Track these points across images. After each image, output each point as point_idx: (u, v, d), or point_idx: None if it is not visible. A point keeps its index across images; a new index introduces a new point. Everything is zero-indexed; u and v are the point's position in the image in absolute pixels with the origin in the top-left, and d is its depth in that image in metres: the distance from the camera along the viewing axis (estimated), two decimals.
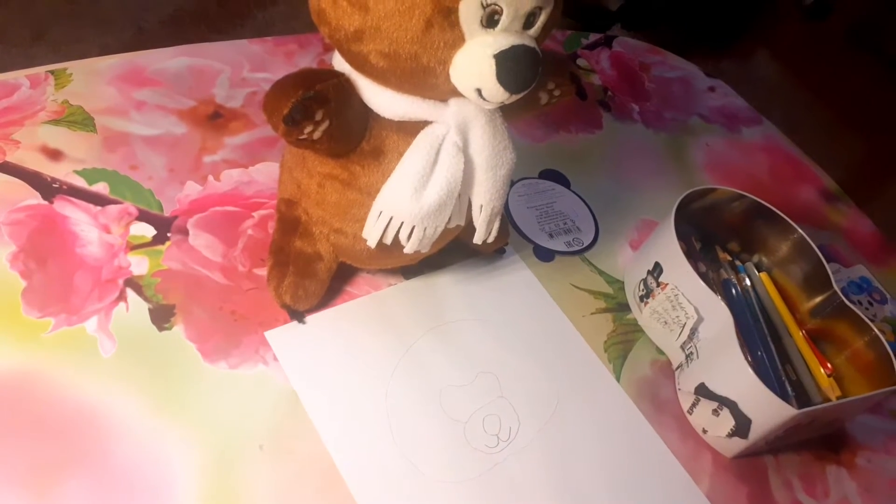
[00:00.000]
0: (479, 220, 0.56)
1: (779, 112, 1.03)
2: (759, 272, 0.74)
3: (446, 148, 0.51)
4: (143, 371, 0.54)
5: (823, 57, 2.26)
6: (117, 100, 0.70)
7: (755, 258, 0.76)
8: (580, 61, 0.96)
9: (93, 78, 0.71)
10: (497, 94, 0.47)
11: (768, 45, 2.27)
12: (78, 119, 0.67)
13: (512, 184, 0.76)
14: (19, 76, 0.68)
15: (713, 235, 0.76)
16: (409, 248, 0.55)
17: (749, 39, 2.26)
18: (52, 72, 0.69)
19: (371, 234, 0.54)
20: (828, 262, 0.69)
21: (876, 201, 1.47)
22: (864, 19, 2.34)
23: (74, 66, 0.71)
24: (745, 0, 2.32)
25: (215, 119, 0.72)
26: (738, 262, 0.75)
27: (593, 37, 1.01)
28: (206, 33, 1.71)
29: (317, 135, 0.48)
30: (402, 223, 0.53)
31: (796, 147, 0.98)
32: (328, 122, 0.48)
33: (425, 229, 0.54)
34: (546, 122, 0.85)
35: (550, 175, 0.80)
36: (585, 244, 0.75)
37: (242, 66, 0.77)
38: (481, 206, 0.55)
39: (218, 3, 1.79)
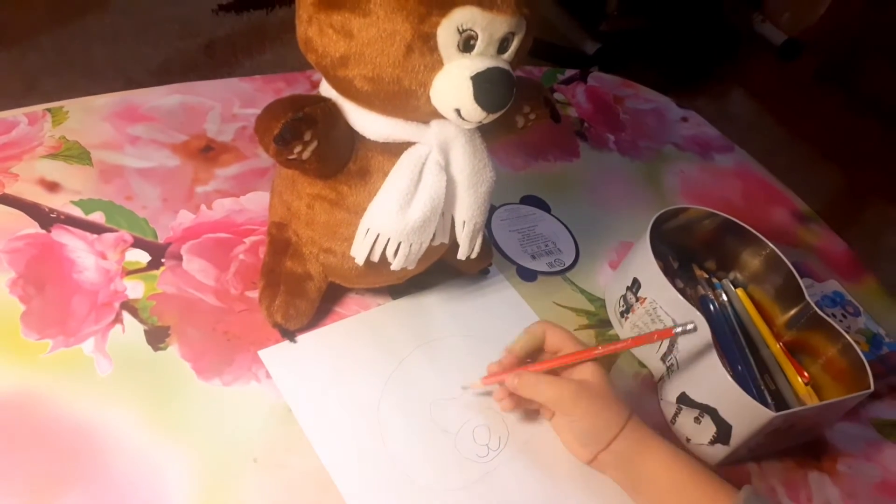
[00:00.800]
0: (463, 236, 0.59)
1: (755, 147, 1.07)
2: (735, 288, 0.77)
3: (429, 167, 0.54)
4: (139, 389, 0.56)
5: (795, 94, 2.34)
6: (112, 135, 0.73)
7: (731, 275, 0.78)
8: (557, 95, 1.01)
9: (89, 115, 0.73)
10: (475, 113, 0.50)
11: (742, 83, 2.34)
12: (74, 153, 0.70)
13: (494, 209, 0.79)
14: (17, 114, 0.71)
15: (689, 255, 0.78)
16: (395, 265, 0.57)
17: (723, 80, 2.33)
18: (49, 110, 0.72)
19: (359, 251, 0.57)
20: (801, 277, 0.71)
21: (852, 230, 1.51)
22: (833, 59, 2.43)
23: (71, 105, 0.73)
24: (718, 41, 2.40)
25: (207, 152, 0.74)
26: (714, 280, 0.78)
27: (569, 72, 1.05)
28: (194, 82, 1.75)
29: (306, 154, 0.51)
30: (388, 240, 0.55)
31: (768, 172, 1.01)
32: (317, 142, 0.51)
33: (411, 245, 0.56)
34: (526, 150, 0.89)
35: (531, 201, 0.83)
36: (567, 265, 0.77)
37: (233, 103, 0.80)
38: (464, 221, 0.58)
39: (206, 54, 1.84)
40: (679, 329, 0.58)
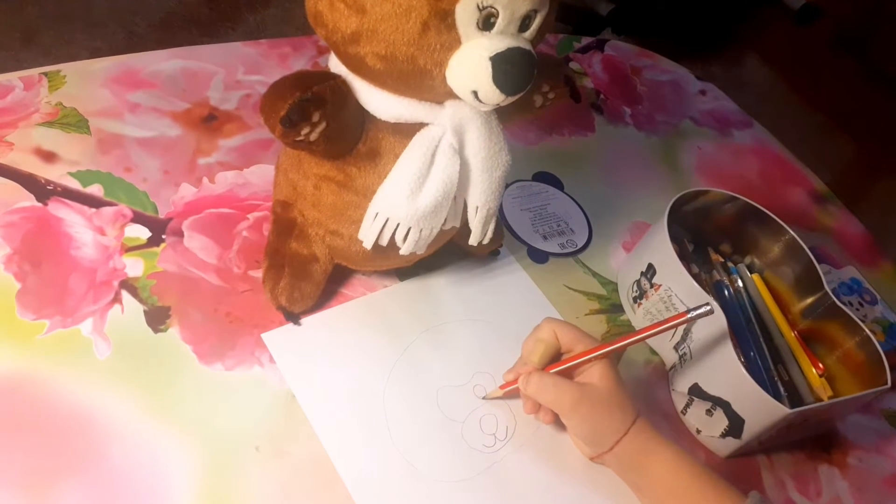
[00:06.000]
0: (475, 222, 0.56)
1: (768, 116, 1.04)
2: (750, 273, 0.75)
3: (442, 150, 0.52)
4: (139, 373, 0.54)
5: (811, 62, 2.28)
6: (111, 102, 0.70)
7: (747, 260, 0.76)
8: (572, 65, 0.97)
9: (86, 80, 0.70)
10: (493, 96, 0.47)
11: (757, 49, 2.29)
12: (72, 121, 0.67)
13: (506, 186, 0.77)
14: (12, 78, 0.68)
15: (705, 237, 0.76)
16: (405, 250, 0.55)
17: (738, 44, 2.28)
18: (45, 74, 0.69)
19: (367, 235, 0.54)
20: (818, 263, 0.69)
21: (864, 204, 1.49)
22: (850, 26, 2.36)
23: (68, 69, 0.70)
24: (733, 5, 2.33)
25: (210, 121, 0.72)
26: (730, 264, 0.76)
27: (585, 40, 1.01)
28: (196, 37, 1.71)
29: (313, 136, 0.48)
30: (398, 225, 0.53)
31: (786, 150, 0.98)
32: (325, 123, 0.48)
33: (421, 231, 0.54)
34: (539, 125, 0.86)
35: (544, 178, 0.81)
36: (579, 246, 0.75)
37: (236, 69, 0.77)
38: (477, 207, 0.55)
39: (209, 7, 1.79)
40: (694, 313, 0.56)
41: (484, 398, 0.61)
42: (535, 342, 0.58)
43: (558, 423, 0.58)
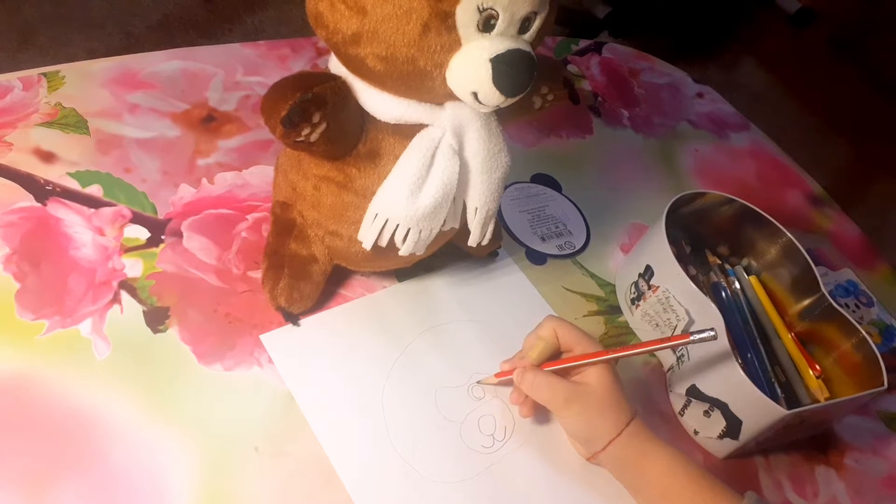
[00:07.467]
0: (474, 223, 0.56)
1: (765, 118, 1.04)
2: (748, 275, 0.75)
3: (442, 151, 0.52)
4: (138, 373, 0.54)
5: (807, 65, 2.29)
6: (110, 102, 0.70)
7: (744, 262, 0.76)
8: (570, 67, 0.97)
9: (86, 81, 0.70)
10: (493, 97, 0.48)
11: (753, 52, 2.30)
12: (71, 121, 0.67)
13: (504, 188, 0.77)
14: (11, 78, 0.68)
15: (703, 239, 0.76)
16: (404, 251, 0.55)
17: (735, 47, 2.28)
18: (44, 74, 0.69)
19: (366, 236, 0.55)
20: (815, 265, 0.69)
21: (861, 206, 1.49)
22: (847, 28, 2.37)
23: (67, 69, 0.70)
24: (730, 9, 2.34)
25: (209, 122, 0.72)
26: (727, 266, 0.76)
27: (583, 43, 1.02)
28: (194, 38, 1.71)
29: (314, 137, 0.48)
30: (397, 225, 0.53)
31: (783, 152, 0.99)
32: (325, 124, 0.48)
33: (420, 231, 0.54)
34: (538, 126, 0.86)
35: (542, 179, 0.81)
36: (577, 248, 0.75)
37: (236, 70, 0.77)
38: (476, 208, 0.56)
39: (206, 8, 1.79)
40: (697, 336, 0.56)
41: (479, 382, 0.61)
42: (535, 339, 0.58)
43: (556, 423, 0.58)
